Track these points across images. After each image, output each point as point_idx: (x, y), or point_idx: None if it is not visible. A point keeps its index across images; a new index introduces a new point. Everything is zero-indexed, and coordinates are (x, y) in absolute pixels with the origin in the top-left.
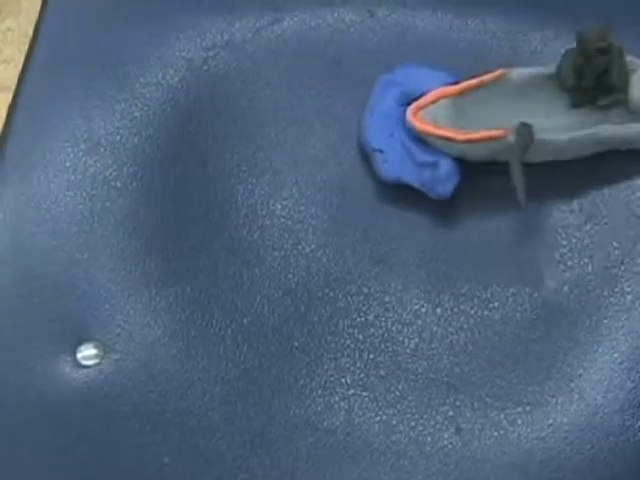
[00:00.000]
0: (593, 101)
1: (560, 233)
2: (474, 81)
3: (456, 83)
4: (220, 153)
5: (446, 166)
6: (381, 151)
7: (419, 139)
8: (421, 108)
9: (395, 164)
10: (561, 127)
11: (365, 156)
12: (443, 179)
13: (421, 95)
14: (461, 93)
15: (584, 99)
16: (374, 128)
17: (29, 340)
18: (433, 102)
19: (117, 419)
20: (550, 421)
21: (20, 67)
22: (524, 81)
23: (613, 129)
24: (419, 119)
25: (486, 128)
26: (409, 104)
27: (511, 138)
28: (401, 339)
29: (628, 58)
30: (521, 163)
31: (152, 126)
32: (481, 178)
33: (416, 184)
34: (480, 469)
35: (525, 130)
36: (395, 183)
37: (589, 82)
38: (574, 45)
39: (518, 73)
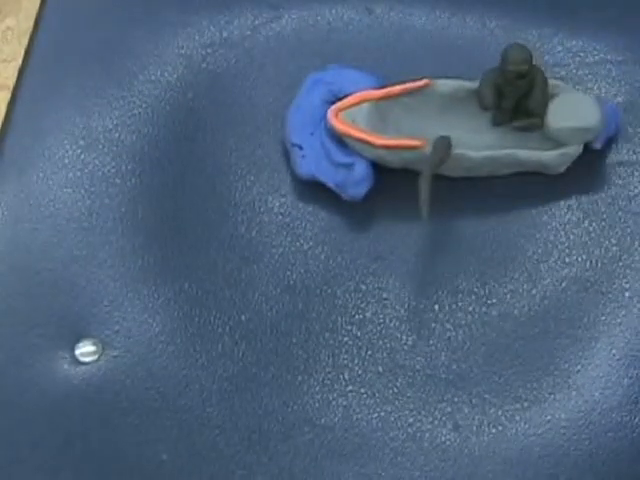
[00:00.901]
0: (512, 122)
1: (558, 230)
2: (397, 88)
3: (382, 88)
4: (218, 150)
5: (360, 169)
6: (300, 147)
7: (339, 140)
8: (343, 109)
9: (312, 161)
10: (480, 144)
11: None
12: (356, 181)
13: (347, 96)
14: (383, 98)
15: (504, 119)
16: (296, 124)
17: (27, 337)
18: (355, 104)
19: (115, 416)
20: (548, 417)
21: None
22: (449, 94)
23: (529, 153)
24: (340, 120)
25: (407, 136)
26: (334, 104)
27: (428, 149)
28: (399, 336)
29: (553, 82)
30: (432, 176)
31: (151, 123)
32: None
33: (331, 184)
34: (478, 465)
35: (442, 143)
36: (310, 180)
37: (509, 103)
38: (573, 42)
39: (443, 85)
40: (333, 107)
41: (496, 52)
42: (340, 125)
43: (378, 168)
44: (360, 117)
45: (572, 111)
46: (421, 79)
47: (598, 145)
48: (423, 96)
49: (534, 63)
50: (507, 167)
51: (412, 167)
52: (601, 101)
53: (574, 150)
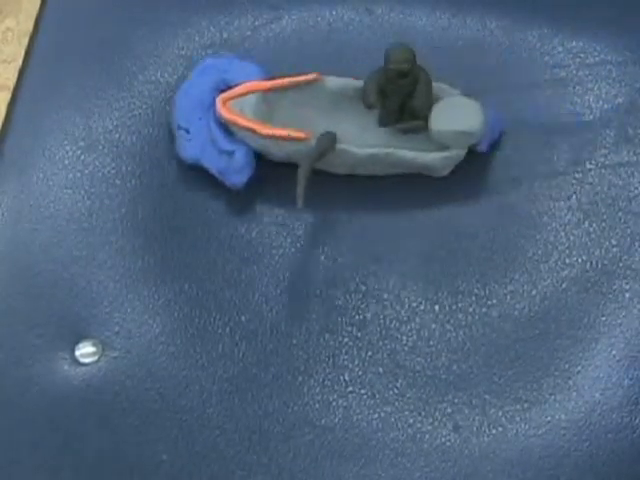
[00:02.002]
0: (397, 123)
1: (558, 231)
2: (285, 80)
3: (271, 79)
4: None
5: (242, 157)
6: (187, 131)
7: (225, 127)
8: (231, 98)
9: (197, 146)
10: (366, 143)
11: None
12: (237, 169)
13: (237, 85)
14: (271, 89)
15: (390, 120)
16: (185, 108)
17: (27, 337)
18: (243, 94)
19: (115, 416)
20: (548, 418)
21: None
22: (337, 91)
23: (412, 154)
24: (227, 108)
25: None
26: (224, 92)
27: (312, 142)
28: (399, 337)
29: (439, 85)
30: (311, 169)
31: (151, 124)
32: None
33: (213, 170)
34: (478, 466)
35: (327, 138)
36: (194, 165)
37: (393, 103)
38: (573, 43)
39: (331, 82)
40: (222, 95)
41: (497, 53)
42: (227, 113)
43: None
44: (247, 107)
45: (455, 115)
46: (310, 74)
47: (482, 148)
48: (312, 91)
49: (418, 64)
50: (392, 167)
51: (295, 160)
52: (485, 106)
53: (458, 153)
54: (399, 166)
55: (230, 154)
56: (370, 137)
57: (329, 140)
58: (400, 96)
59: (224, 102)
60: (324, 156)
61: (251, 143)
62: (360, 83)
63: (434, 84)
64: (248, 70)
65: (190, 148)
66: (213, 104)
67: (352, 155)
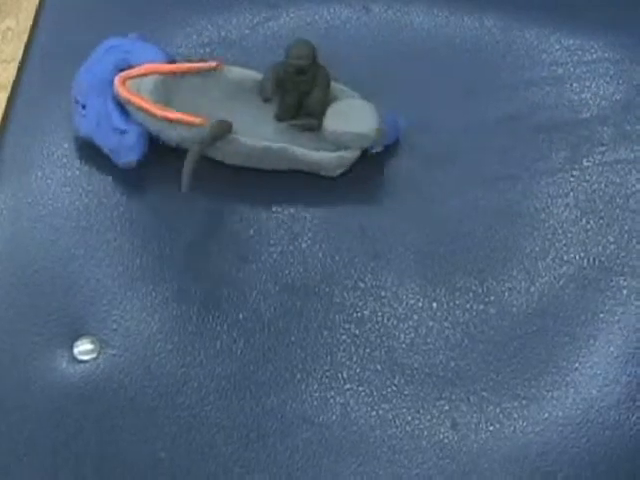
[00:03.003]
0: (293, 119)
1: (556, 228)
2: (184, 65)
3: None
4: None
5: (133, 136)
6: (83, 106)
7: (122, 107)
8: (130, 78)
9: (92, 123)
10: (261, 135)
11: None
12: (127, 148)
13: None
14: (170, 73)
15: (286, 115)
16: (85, 84)
17: (26, 335)
18: (142, 75)
19: (113, 414)
20: (546, 415)
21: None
22: (237, 81)
23: (304, 151)
24: (125, 87)
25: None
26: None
27: (206, 128)
28: (397, 334)
29: (338, 86)
30: (199, 155)
31: None
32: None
33: (105, 148)
34: (476, 463)
35: (220, 126)
36: (88, 141)
37: (291, 99)
38: (571, 41)
39: (232, 72)
40: (121, 74)
41: (494, 51)
42: (124, 92)
43: None
44: (145, 88)
45: (349, 116)
46: (212, 61)
47: (376, 150)
48: (212, 79)
49: (319, 62)
50: (284, 162)
51: (187, 145)
52: (382, 110)
53: (350, 154)
54: (290, 162)
55: (123, 133)
56: (265, 130)
57: (222, 128)
58: (298, 92)
59: (123, 81)
60: (215, 143)
61: (147, 125)
62: (261, 76)
63: (334, 85)
64: (151, 52)
65: (85, 123)
66: (111, 83)
67: (245, 146)
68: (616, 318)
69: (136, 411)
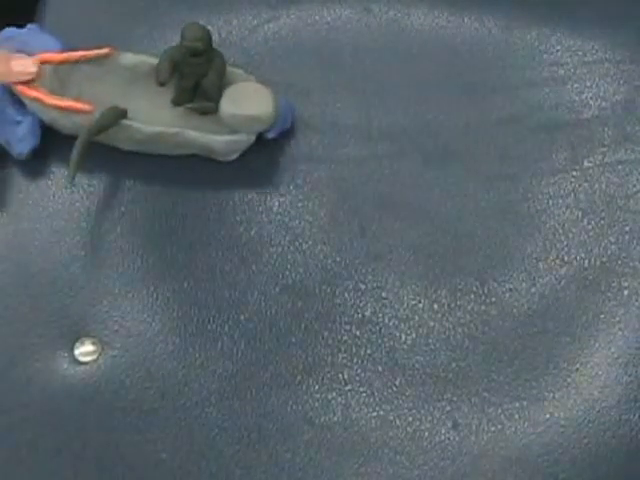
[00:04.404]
0: (192, 103)
1: (557, 228)
2: (76, 53)
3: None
4: None
5: (26, 126)
6: None
7: (18, 99)
8: None
9: None
10: (158, 121)
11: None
12: (20, 138)
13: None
14: (62, 62)
15: (183, 99)
16: None
17: (27, 336)
18: (37, 64)
19: (114, 415)
20: (547, 416)
21: None
22: (132, 67)
23: (198, 135)
24: None
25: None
26: None
27: (96, 115)
28: (398, 335)
29: (235, 70)
30: (87, 143)
31: None
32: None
33: (2, 140)
34: (477, 464)
35: (109, 113)
36: None
37: (188, 83)
38: (571, 42)
39: (126, 57)
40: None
41: (495, 51)
42: (17, 83)
43: None
44: (39, 78)
45: (245, 99)
46: (104, 48)
47: (270, 136)
48: (107, 67)
49: (214, 47)
50: (179, 147)
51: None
52: (277, 94)
53: (244, 138)
54: (185, 147)
55: (16, 123)
56: (163, 116)
57: (112, 115)
58: (194, 76)
59: None
60: (104, 130)
61: (41, 115)
62: (155, 61)
63: (231, 69)
64: (46, 42)
65: None
66: None
67: (138, 131)
68: (617, 319)
69: (137, 412)
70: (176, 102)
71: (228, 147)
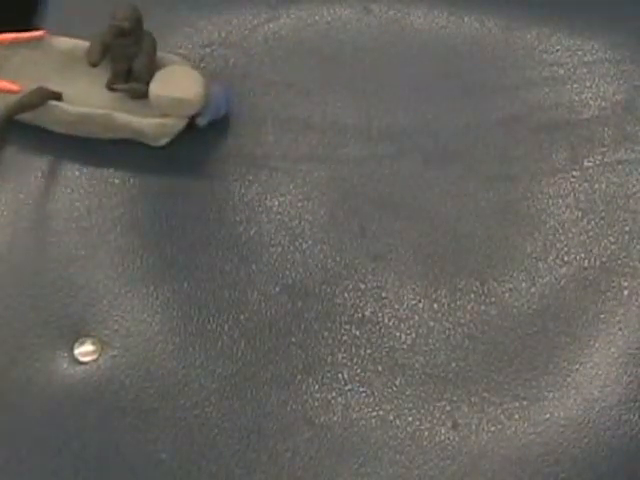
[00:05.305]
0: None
1: (557, 228)
2: (9, 36)
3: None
4: (217, 150)
5: None
6: None
7: None
8: None
9: None
10: (96, 104)
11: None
12: None
13: None
14: None
15: (116, 82)
16: None
17: (27, 336)
18: None
19: (114, 415)
20: (547, 416)
21: None
22: (67, 51)
23: (127, 117)
24: None
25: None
26: None
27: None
28: (398, 335)
29: (167, 55)
30: (5, 124)
31: None
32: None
33: None
34: (477, 464)
35: (35, 93)
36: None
37: (120, 66)
38: (571, 42)
39: (61, 41)
40: None
41: (495, 51)
42: None
43: None
44: None
45: (174, 82)
46: (38, 31)
47: (202, 122)
48: (44, 50)
49: (144, 29)
50: (110, 130)
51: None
52: (212, 80)
53: (174, 122)
54: (116, 129)
55: None
56: (98, 99)
57: (35, 95)
58: (125, 58)
59: None
60: (26, 110)
61: None
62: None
63: (164, 55)
64: None
65: None
66: None
67: (65, 112)
68: (617, 319)
69: (137, 412)
70: (110, 85)
71: (158, 130)
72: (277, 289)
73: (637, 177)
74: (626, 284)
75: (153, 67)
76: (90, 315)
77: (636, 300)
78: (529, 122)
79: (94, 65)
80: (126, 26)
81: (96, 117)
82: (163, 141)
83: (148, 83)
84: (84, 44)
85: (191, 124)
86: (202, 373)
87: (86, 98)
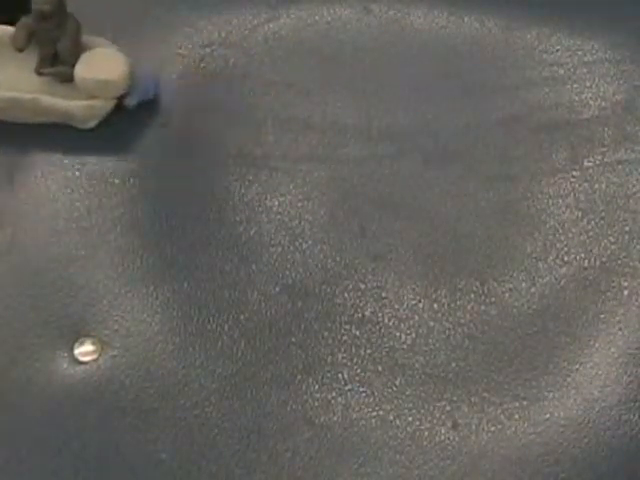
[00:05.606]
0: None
1: (557, 229)
2: None
3: None
4: (217, 150)
5: None
6: None
7: None
8: None
9: None
10: (27, 89)
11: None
12: None
13: None
14: None
15: (43, 66)
16: None
17: (26, 336)
18: None
19: (114, 415)
20: (547, 416)
21: None
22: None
23: (53, 100)
24: None
25: None
26: None
27: None
28: (398, 335)
29: (94, 38)
30: None
31: (148, 123)
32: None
33: None
34: (477, 464)
35: None
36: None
37: (46, 50)
38: (571, 42)
39: None
40: None
41: (495, 51)
42: None
43: None
44: None
45: (99, 64)
46: None
47: (130, 103)
48: None
49: (68, 11)
50: (38, 114)
51: None
52: (139, 63)
53: (101, 104)
54: (44, 113)
55: None
56: (26, 83)
57: None
58: (50, 42)
59: None
60: None
61: None
62: None
63: (89, 37)
64: None
65: None
66: None
67: None
68: (617, 319)
69: (137, 412)
70: (38, 70)
71: (86, 112)
72: (277, 289)
73: (637, 177)
74: (626, 284)
75: (78, 50)
76: (90, 315)
77: (636, 300)
78: (529, 122)
79: (20, 50)
80: (47, 9)
81: (24, 102)
82: (92, 123)
83: (74, 66)
84: (11, 30)
85: (120, 105)
86: (202, 373)
87: (16, 83)
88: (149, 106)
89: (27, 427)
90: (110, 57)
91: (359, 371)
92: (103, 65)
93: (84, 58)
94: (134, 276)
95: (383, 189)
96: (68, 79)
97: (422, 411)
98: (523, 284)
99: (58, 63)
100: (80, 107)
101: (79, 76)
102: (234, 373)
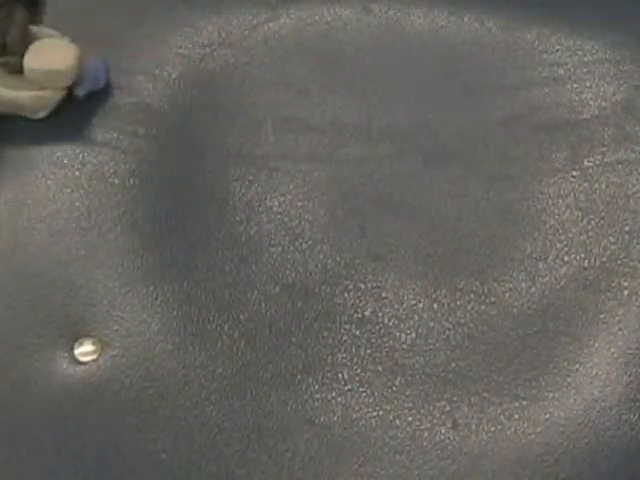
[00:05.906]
0: None
1: (557, 228)
2: None
3: None
4: (217, 150)
5: None
6: None
7: None
8: None
9: None
10: None
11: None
12: None
13: None
14: None
15: None
16: None
17: (26, 337)
18: None
19: (114, 415)
20: (547, 416)
21: None
22: None
23: (4, 92)
24: None
25: None
26: None
27: None
28: (398, 334)
29: (46, 30)
30: None
31: (149, 123)
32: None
33: None
34: (477, 464)
35: None
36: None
37: None
38: (571, 42)
39: None
40: None
41: (495, 51)
42: None
43: None
44: None
45: (48, 55)
46: None
47: (80, 93)
48: None
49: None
50: None
51: None
52: (88, 53)
53: (51, 94)
54: None
55: None
56: None
57: None
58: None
59: None
60: None
61: None
62: None
63: (38, 28)
64: None
65: None
66: None
67: None
68: (617, 319)
69: (137, 412)
70: None
71: (36, 103)
72: (277, 289)
73: (637, 177)
74: (626, 284)
75: (27, 40)
76: (90, 315)
77: (636, 300)
78: (529, 122)
79: None
80: None
81: None
82: (42, 113)
83: (23, 56)
84: None
85: (70, 95)
86: (202, 373)
87: None
88: (147, 104)
89: (27, 427)
90: (59, 47)
91: (359, 371)
92: (52, 55)
93: (33, 48)
94: (134, 276)
95: (383, 189)
96: (17, 70)
97: (422, 411)
98: (523, 284)
99: (7, 53)
100: (29, 97)
101: (28, 67)
102: (234, 373)
